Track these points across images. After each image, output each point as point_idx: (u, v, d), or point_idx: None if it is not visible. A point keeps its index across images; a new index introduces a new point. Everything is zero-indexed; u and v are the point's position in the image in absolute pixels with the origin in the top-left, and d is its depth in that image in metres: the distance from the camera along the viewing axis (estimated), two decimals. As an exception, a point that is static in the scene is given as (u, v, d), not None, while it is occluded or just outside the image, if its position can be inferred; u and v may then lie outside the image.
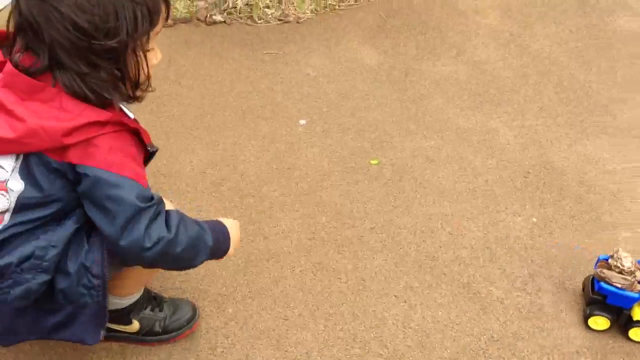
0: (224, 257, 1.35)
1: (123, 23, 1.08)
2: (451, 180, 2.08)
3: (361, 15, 2.89)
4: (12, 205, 1.14)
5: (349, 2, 2.95)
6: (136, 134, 1.19)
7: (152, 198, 1.17)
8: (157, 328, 1.51)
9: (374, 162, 2.15)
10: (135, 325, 1.49)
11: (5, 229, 1.15)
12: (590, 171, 2.13)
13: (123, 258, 1.20)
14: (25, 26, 1.08)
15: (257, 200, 1.97)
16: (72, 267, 1.17)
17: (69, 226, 1.18)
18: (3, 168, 1.14)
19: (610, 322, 1.62)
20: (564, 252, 1.85)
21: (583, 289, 1.72)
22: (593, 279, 1.65)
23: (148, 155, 1.24)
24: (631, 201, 2.03)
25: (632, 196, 2.04)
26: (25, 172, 1.13)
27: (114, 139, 1.13)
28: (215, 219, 1.37)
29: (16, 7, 1.09)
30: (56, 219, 1.18)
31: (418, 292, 1.73)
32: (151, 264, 1.21)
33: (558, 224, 1.95)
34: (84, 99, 1.10)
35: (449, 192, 2.04)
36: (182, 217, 1.23)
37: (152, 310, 1.51)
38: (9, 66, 1.11)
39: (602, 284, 1.58)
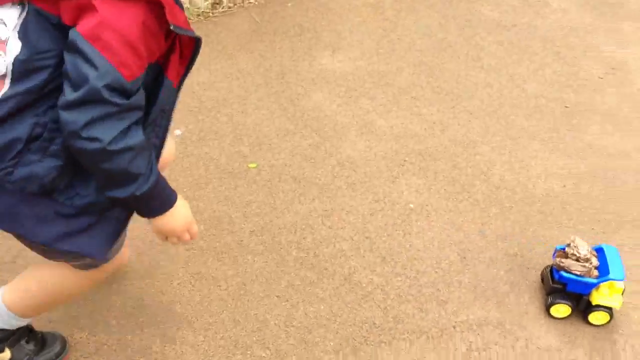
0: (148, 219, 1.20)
1: None
2: (330, 176, 2.10)
3: (236, 22, 2.87)
4: (10, 68, 1.05)
5: (222, 8, 2.92)
6: (158, 7, 1.03)
7: (125, 95, 1.03)
8: None
9: (252, 165, 2.13)
10: (6, 355, 1.39)
11: (7, 97, 1.06)
12: (462, 154, 2.21)
13: (61, 129, 1.06)
14: None
15: (132, 216, 1.90)
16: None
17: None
18: (4, 24, 1.06)
19: (571, 309, 1.66)
20: (440, 234, 1.91)
21: (542, 280, 1.75)
22: (552, 268, 1.68)
23: (169, 34, 1.07)
24: (500, 179, 2.12)
25: (500, 174, 2.13)
26: (23, 32, 1.05)
27: (119, 10, 1.01)
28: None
29: None
30: (58, 90, 1.05)
31: (300, 290, 1.73)
32: (76, 152, 1.06)
33: (433, 207, 2.00)
34: None
35: (328, 188, 2.05)
36: (144, 147, 1.09)
37: (26, 342, 1.43)
38: None
39: (562, 273, 1.62)
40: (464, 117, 2.38)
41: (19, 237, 1.20)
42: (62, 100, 1.03)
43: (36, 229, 1.14)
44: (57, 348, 1.47)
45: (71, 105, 1.02)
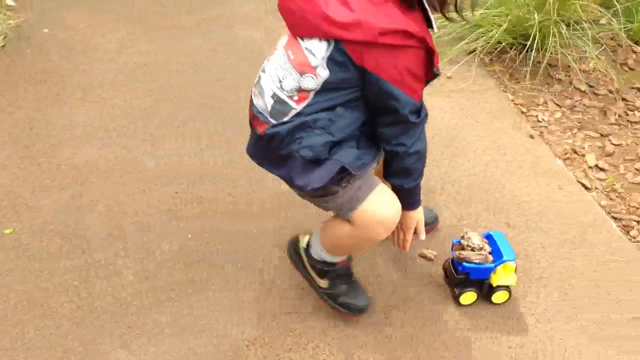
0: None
1: None
2: (100, 226, 2.00)
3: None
4: (319, 87, 1.40)
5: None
6: (429, 54, 1.40)
7: (420, 112, 1.46)
8: (335, 296, 1.74)
9: (7, 231, 1.95)
10: (324, 282, 1.75)
11: (309, 105, 1.42)
12: (236, 178, 2.25)
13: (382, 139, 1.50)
14: None
15: None
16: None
17: (355, 114, 1.45)
18: (314, 55, 1.38)
19: (477, 295, 1.83)
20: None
21: (446, 275, 1.89)
22: (453, 261, 1.83)
23: (434, 75, 1.45)
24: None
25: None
26: (332, 63, 1.37)
27: (409, 56, 1.36)
28: None
29: None
30: (350, 102, 1.44)
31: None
32: (388, 153, 1.51)
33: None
34: (409, 3, 1.36)
35: (97, 239, 1.96)
36: (426, 153, 1.54)
37: (340, 283, 1.74)
38: None
39: (465, 264, 1.77)
40: (237, 140, 2.43)
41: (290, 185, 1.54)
42: (381, 121, 1.46)
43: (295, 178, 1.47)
44: (361, 302, 1.76)
45: (387, 125, 1.46)
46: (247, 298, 1.81)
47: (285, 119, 1.44)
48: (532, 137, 2.56)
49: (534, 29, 2.74)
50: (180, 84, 2.68)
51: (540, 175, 2.36)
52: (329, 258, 1.70)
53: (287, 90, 1.43)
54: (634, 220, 2.22)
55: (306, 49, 1.39)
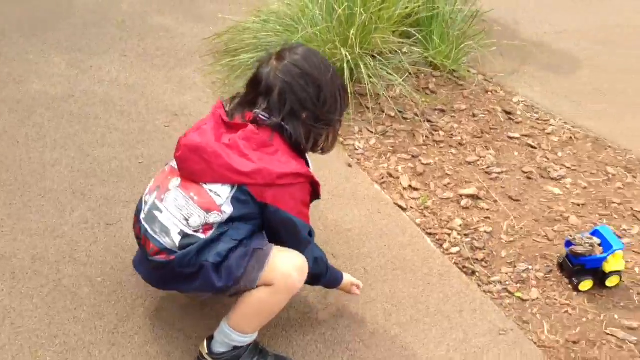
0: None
1: (341, 106, 1.80)
2: None
3: None
4: (224, 220, 1.63)
5: None
6: (314, 186, 1.74)
7: (311, 233, 1.74)
8: None
9: None
10: None
11: (214, 233, 1.62)
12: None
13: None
14: (269, 91, 1.69)
15: None
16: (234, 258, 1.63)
17: (248, 230, 1.67)
18: (219, 196, 1.62)
19: (593, 282, 2.18)
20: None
21: (561, 269, 2.26)
22: (568, 256, 2.21)
23: (315, 199, 1.78)
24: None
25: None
26: (236, 201, 1.62)
27: (299, 190, 1.68)
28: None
29: (262, 76, 1.71)
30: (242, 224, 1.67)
31: None
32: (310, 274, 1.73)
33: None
34: (296, 149, 1.71)
35: None
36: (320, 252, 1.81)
37: (258, 359, 1.79)
38: (250, 126, 1.66)
39: (581, 258, 2.14)
40: (37, 202, 2.27)
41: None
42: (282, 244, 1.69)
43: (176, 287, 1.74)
44: None
45: (298, 247, 1.70)
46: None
47: (191, 247, 1.60)
48: (350, 165, 2.68)
49: (342, 63, 2.90)
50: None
51: (360, 202, 2.47)
52: (241, 340, 1.72)
53: (193, 227, 1.61)
54: (446, 234, 2.41)
55: (210, 190, 1.62)
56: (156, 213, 1.65)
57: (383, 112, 3.03)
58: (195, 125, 1.72)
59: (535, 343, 1.99)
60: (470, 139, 2.95)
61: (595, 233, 2.22)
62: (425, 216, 2.49)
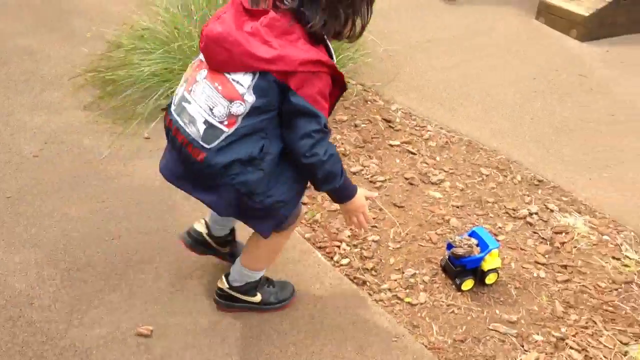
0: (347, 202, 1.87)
1: None
2: None
3: None
4: (247, 111, 1.64)
5: None
6: (336, 78, 1.71)
7: (326, 125, 1.70)
8: (272, 299, 2.10)
9: None
10: (258, 297, 2.07)
11: (238, 129, 1.65)
12: None
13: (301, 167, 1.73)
14: None
15: None
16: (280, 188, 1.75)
17: (276, 148, 1.70)
18: (241, 85, 1.62)
19: (473, 280, 2.29)
20: None
21: (445, 271, 2.36)
22: (450, 259, 2.30)
23: (343, 90, 1.77)
24: None
25: None
26: (258, 89, 1.62)
27: (320, 80, 1.65)
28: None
29: None
30: (273, 125, 1.69)
31: None
32: (316, 169, 1.72)
33: None
34: (315, 39, 1.66)
35: None
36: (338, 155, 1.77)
37: (268, 287, 2.11)
38: (271, 12, 1.61)
39: (462, 259, 2.25)
40: None
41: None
42: (294, 138, 1.68)
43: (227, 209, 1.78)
44: (290, 289, 2.16)
45: (300, 139, 1.67)
46: None
47: (217, 141, 1.65)
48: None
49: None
50: None
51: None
52: (252, 275, 2.03)
53: (218, 117, 1.65)
54: (335, 246, 2.44)
55: (233, 80, 1.63)
56: (185, 104, 1.70)
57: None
58: (215, 14, 1.70)
59: (425, 346, 2.06)
60: (353, 149, 3.02)
61: (472, 234, 2.33)
62: (314, 230, 2.51)
